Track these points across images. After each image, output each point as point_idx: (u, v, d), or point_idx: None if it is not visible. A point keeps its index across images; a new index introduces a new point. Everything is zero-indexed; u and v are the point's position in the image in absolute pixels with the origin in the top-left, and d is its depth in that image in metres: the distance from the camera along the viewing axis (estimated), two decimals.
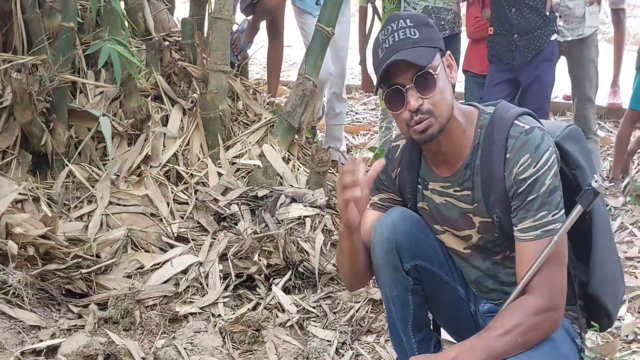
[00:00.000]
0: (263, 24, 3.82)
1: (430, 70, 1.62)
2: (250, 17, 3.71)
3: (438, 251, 1.85)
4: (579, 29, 3.66)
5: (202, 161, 3.12)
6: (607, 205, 3.76)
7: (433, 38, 1.66)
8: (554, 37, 3.31)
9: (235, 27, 3.76)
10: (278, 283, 2.66)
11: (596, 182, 1.58)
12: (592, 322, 1.81)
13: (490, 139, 1.67)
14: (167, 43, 3.35)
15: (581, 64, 3.68)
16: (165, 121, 3.18)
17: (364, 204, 1.66)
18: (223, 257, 2.71)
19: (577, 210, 1.60)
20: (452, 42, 3.49)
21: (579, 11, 3.67)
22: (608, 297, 1.81)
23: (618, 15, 4.95)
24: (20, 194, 2.73)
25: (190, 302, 2.56)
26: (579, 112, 3.72)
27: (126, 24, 3.44)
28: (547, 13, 3.27)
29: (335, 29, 3.36)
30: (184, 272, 2.64)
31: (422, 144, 1.69)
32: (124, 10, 3.45)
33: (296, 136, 3.43)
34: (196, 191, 2.99)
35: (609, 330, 2.18)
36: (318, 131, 4.45)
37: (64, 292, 2.51)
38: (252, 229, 2.76)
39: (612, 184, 4.07)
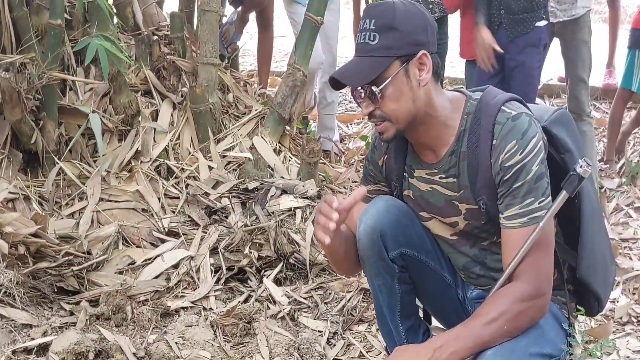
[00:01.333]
0: (252, 16, 3.80)
1: (373, 87, 1.62)
2: (239, 9, 3.69)
3: (424, 238, 1.85)
4: (571, 9, 3.63)
5: (192, 155, 3.13)
6: (602, 187, 3.75)
7: (391, 46, 1.62)
8: (541, 23, 3.29)
9: (224, 20, 3.76)
10: (269, 275, 2.67)
11: (581, 167, 1.58)
12: (578, 307, 1.80)
13: (477, 126, 1.67)
14: (156, 37, 3.35)
15: (574, 45, 3.65)
16: (155, 116, 3.19)
17: (342, 220, 1.67)
18: (214, 251, 2.72)
19: (562, 196, 1.60)
20: (440, 25, 3.47)
21: None
22: (598, 281, 1.81)
23: None
24: (10, 192, 2.75)
25: (182, 296, 2.57)
26: (572, 94, 3.70)
27: (115, 19, 3.44)
28: None
29: (325, 17, 3.35)
30: (175, 266, 2.66)
31: (387, 142, 1.71)
32: (113, 6, 3.45)
33: (287, 127, 3.43)
34: (187, 185, 3.00)
35: (602, 313, 2.18)
36: (311, 121, 4.44)
37: (55, 290, 2.52)
38: (242, 222, 2.77)
39: (607, 165, 4.06)
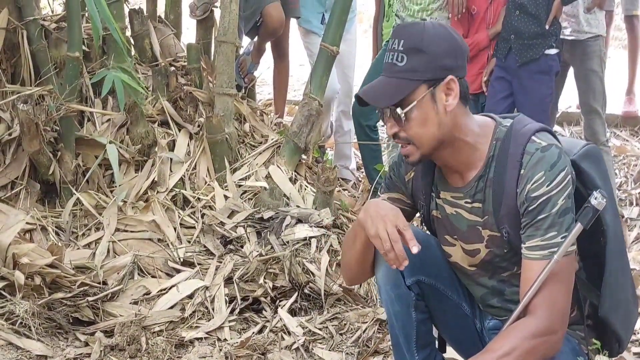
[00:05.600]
0: (269, 46, 3.84)
1: (398, 110, 1.61)
2: (255, 40, 3.73)
3: (442, 266, 1.83)
4: (568, 28, 3.61)
5: (208, 185, 3.14)
6: (623, 216, 3.68)
7: (418, 69, 1.61)
8: (551, 51, 3.28)
9: (241, 50, 3.80)
10: (284, 305, 2.65)
11: (595, 199, 1.56)
12: (599, 347, 1.76)
13: (505, 153, 1.65)
14: (173, 68, 3.39)
15: (583, 75, 3.64)
16: (172, 146, 3.21)
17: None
18: (229, 281, 2.71)
19: (577, 228, 1.58)
20: None
21: (571, 10, 3.62)
22: (620, 322, 1.77)
23: (631, 21, 4.88)
24: (28, 223, 2.77)
25: (196, 327, 2.56)
26: (587, 124, 3.68)
27: (132, 50, 3.49)
28: (547, 27, 3.25)
29: (340, 47, 3.37)
30: (190, 296, 2.65)
31: (413, 165, 1.70)
32: (131, 38, 3.50)
33: (303, 156, 3.43)
34: (203, 215, 3.00)
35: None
36: (328, 150, 4.45)
37: (71, 321, 2.53)
38: (257, 252, 2.76)
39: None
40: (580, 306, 1.75)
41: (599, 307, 1.73)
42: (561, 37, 3.50)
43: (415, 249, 1.60)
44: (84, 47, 3.15)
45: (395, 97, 1.60)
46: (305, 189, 3.26)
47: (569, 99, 4.76)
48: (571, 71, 3.81)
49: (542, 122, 3.05)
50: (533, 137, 1.64)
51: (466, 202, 1.72)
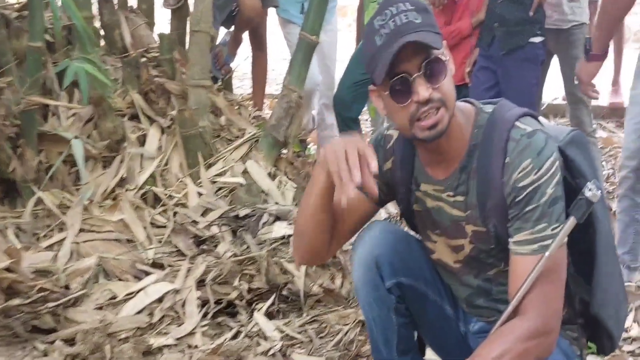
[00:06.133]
0: (246, 36, 3.67)
1: (441, 57, 1.46)
2: (231, 29, 3.56)
3: (423, 266, 1.68)
4: (552, 17, 3.47)
5: (181, 181, 2.97)
6: (610, 209, 3.54)
7: (435, 24, 1.50)
8: (536, 39, 3.14)
9: (218, 41, 3.63)
10: (260, 308, 2.48)
11: (590, 190, 1.42)
12: (589, 344, 1.62)
13: (488, 141, 1.51)
14: (144, 59, 3.21)
15: (568, 63, 3.50)
16: (142, 141, 3.03)
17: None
18: (201, 283, 2.54)
19: (570, 222, 1.43)
20: None
21: None
22: (611, 318, 1.64)
23: None
24: None
25: (166, 333, 2.39)
26: (573, 114, 3.55)
27: (102, 41, 3.32)
28: (531, 13, 3.11)
29: (321, 37, 3.21)
30: (159, 300, 2.47)
31: (430, 141, 1.49)
32: (100, 28, 3.33)
33: (284, 150, 3.27)
34: (175, 213, 2.83)
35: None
36: (312, 144, 4.28)
37: (29, 329, 2.34)
38: (232, 252, 2.59)
39: None
40: (572, 303, 1.62)
41: (591, 303, 1.61)
42: (545, 26, 3.37)
43: (374, 165, 1.38)
44: (48, 37, 2.99)
45: (438, 43, 1.45)
46: (285, 185, 3.09)
47: (555, 90, 4.63)
48: (555, 61, 3.67)
49: None
50: (517, 123, 1.50)
51: (448, 195, 1.57)
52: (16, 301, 2.31)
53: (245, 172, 3.04)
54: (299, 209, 1.66)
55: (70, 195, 2.81)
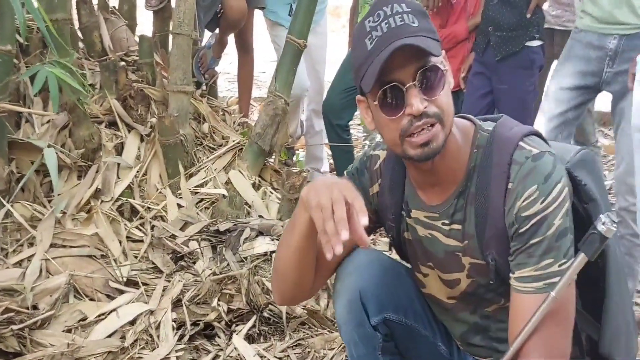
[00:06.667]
0: (232, 39, 3.52)
1: (439, 65, 1.30)
2: (216, 32, 3.41)
3: (413, 300, 1.53)
4: (562, 17, 3.33)
5: (160, 192, 2.82)
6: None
7: (434, 30, 1.35)
8: (533, 43, 3.00)
9: (203, 44, 3.48)
10: (240, 331, 2.34)
11: (603, 224, 1.25)
12: None
13: (488, 163, 1.36)
14: (123, 63, 3.06)
15: None
16: (120, 149, 2.88)
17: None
18: (178, 303, 2.39)
19: (580, 259, 1.27)
20: None
21: None
22: (622, 354, 1.50)
23: None
24: None
25: (139, 357, 2.24)
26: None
27: (80, 44, 3.16)
28: (528, 15, 2.97)
29: (310, 40, 3.07)
30: (132, 322, 2.32)
31: (422, 160, 1.34)
32: (78, 30, 3.18)
33: (270, 160, 3.13)
34: (153, 227, 2.68)
35: None
36: (300, 151, 4.14)
37: None
38: (211, 269, 2.45)
39: None
40: (578, 341, 1.46)
41: (600, 342, 1.46)
42: (550, 27, 3.23)
43: (365, 219, 1.24)
44: (21, 40, 2.83)
45: (436, 50, 1.30)
46: (269, 196, 2.95)
47: None
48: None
49: (524, 122, 2.76)
50: (521, 143, 1.35)
51: (443, 224, 1.42)
52: None
53: (228, 183, 2.90)
54: (278, 247, 1.50)
55: (42, 207, 2.66)
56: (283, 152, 3.72)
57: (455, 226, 1.41)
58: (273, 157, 3.12)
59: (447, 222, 1.42)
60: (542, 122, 2.77)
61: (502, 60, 3.05)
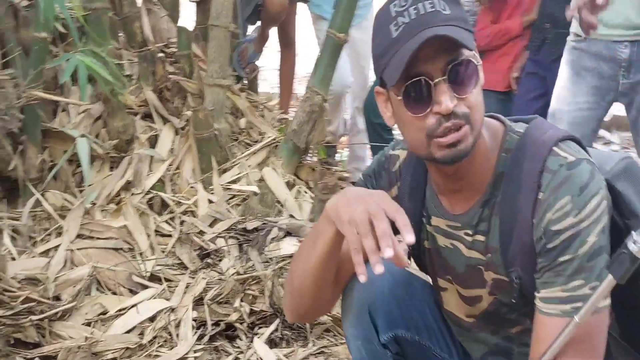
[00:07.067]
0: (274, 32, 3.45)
1: (472, 60, 1.17)
2: (258, 25, 3.34)
3: (429, 317, 1.41)
4: None
5: (192, 187, 2.76)
6: None
7: (467, 19, 1.22)
8: None
9: (246, 37, 3.42)
10: (262, 334, 2.25)
11: (635, 243, 1.09)
12: None
13: (518, 169, 1.22)
14: (162, 55, 3.02)
15: None
16: (154, 142, 2.84)
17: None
18: (200, 302, 2.32)
19: (608, 282, 1.12)
20: None
21: None
22: None
23: None
24: None
25: (156, 355, 2.18)
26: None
27: (121, 34, 3.14)
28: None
29: (354, 34, 2.96)
30: (152, 319, 2.27)
31: (449, 164, 1.21)
32: (120, 19, 3.15)
33: (306, 158, 3.03)
34: (182, 222, 2.63)
35: None
36: (344, 150, 4.03)
37: (12, 342, 2.17)
38: (235, 269, 2.37)
39: None
40: None
41: None
42: None
43: (410, 236, 1.12)
44: (61, 29, 2.82)
45: (470, 42, 1.17)
46: (303, 195, 2.86)
47: None
48: None
49: None
50: (555, 149, 1.21)
51: (466, 234, 1.29)
52: None
53: (261, 180, 2.82)
54: (294, 261, 1.39)
55: (72, 197, 2.64)
56: (322, 151, 3.62)
57: (479, 237, 1.28)
58: (309, 155, 3.02)
59: (470, 232, 1.29)
60: None
61: (557, 60, 2.86)
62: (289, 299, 1.39)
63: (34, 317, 2.18)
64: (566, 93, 2.53)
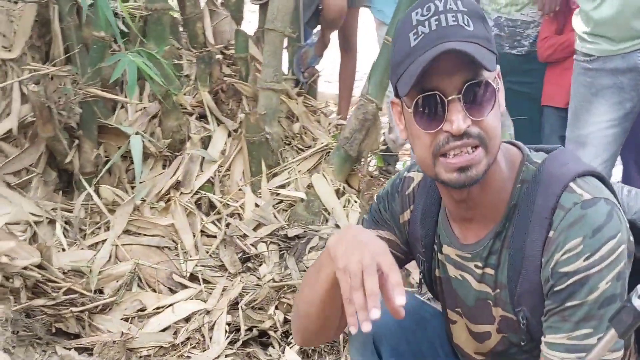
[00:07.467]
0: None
1: (491, 82, 1.11)
2: (319, 29, 3.32)
3: (437, 349, 1.35)
4: None
5: (240, 190, 2.77)
6: None
7: (491, 39, 1.15)
8: None
9: (307, 41, 3.40)
10: (294, 344, 2.23)
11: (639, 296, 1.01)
12: None
13: (530, 203, 1.15)
14: (220, 57, 3.05)
15: None
16: (207, 143, 2.87)
17: None
18: (236, 306, 2.32)
19: (610, 336, 1.02)
20: (529, 62, 2.83)
21: None
22: None
23: None
24: (34, 215, 2.53)
25: (188, 357, 2.20)
26: None
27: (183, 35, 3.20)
28: None
29: None
30: (187, 320, 2.29)
31: (457, 188, 1.15)
32: (182, 20, 3.21)
33: (361, 166, 2.98)
34: (228, 224, 2.64)
35: None
36: (406, 160, 3.95)
37: (54, 331, 2.24)
38: (272, 275, 2.35)
39: None
40: None
41: None
42: None
43: (401, 298, 1.06)
44: (122, 28, 2.89)
45: (491, 63, 1.10)
46: (352, 205, 2.81)
47: None
48: None
49: None
50: (572, 184, 1.12)
51: (476, 266, 1.22)
52: (40, 302, 2.20)
53: (310, 186, 2.80)
54: (303, 285, 1.35)
55: (124, 193, 2.70)
56: (379, 159, 3.56)
57: (489, 270, 1.21)
58: (361, 163, 2.97)
59: (480, 264, 1.21)
60: None
61: None
62: (296, 323, 1.35)
63: (74, 309, 2.23)
64: (586, 116, 2.45)
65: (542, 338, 1.13)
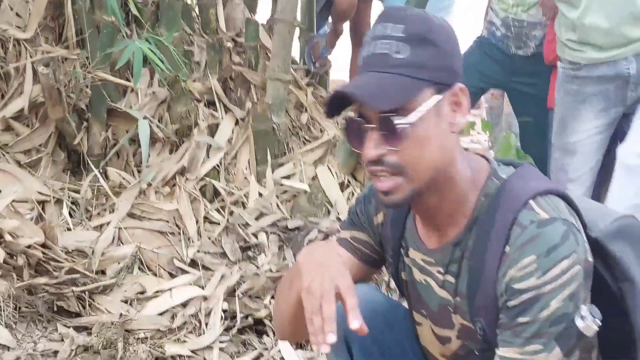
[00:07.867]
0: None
1: (397, 120, 1.11)
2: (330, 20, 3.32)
3: (406, 350, 1.37)
4: None
5: (245, 178, 2.80)
6: None
7: (426, 65, 1.13)
8: None
9: (320, 31, 3.41)
10: None
11: (582, 319, 1.05)
12: None
13: (491, 218, 1.16)
14: (230, 44, 3.06)
15: None
16: (214, 130, 2.90)
17: None
18: (233, 293, 2.36)
19: (554, 354, 1.07)
20: (535, 63, 2.81)
21: None
22: None
23: None
24: (42, 194, 2.58)
25: (184, 341, 2.24)
26: None
27: (196, 19, 3.21)
28: None
29: None
30: (185, 304, 2.33)
31: (384, 207, 1.22)
32: (196, 6, 3.23)
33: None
34: (231, 212, 2.67)
35: None
36: None
37: (55, 309, 2.29)
38: (270, 265, 2.39)
39: None
40: None
41: None
42: None
43: (355, 322, 1.11)
44: (135, 12, 2.91)
45: (396, 98, 1.11)
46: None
47: None
48: None
49: None
50: (532, 202, 1.13)
51: (438, 272, 1.24)
52: (42, 280, 2.25)
53: (314, 178, 2.82)
54: (278, 292, 1.39)
55: (130, 176, 2.74)
56: None
57: (449, 278, 1.22)
58: None
59: (442, 271, 1.23)
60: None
61: None
62: (275, 318, 1.40)
63: (76, 289, 2.28)
64: (574, 124, 2.45)
65: (496, 350, 1.15)
